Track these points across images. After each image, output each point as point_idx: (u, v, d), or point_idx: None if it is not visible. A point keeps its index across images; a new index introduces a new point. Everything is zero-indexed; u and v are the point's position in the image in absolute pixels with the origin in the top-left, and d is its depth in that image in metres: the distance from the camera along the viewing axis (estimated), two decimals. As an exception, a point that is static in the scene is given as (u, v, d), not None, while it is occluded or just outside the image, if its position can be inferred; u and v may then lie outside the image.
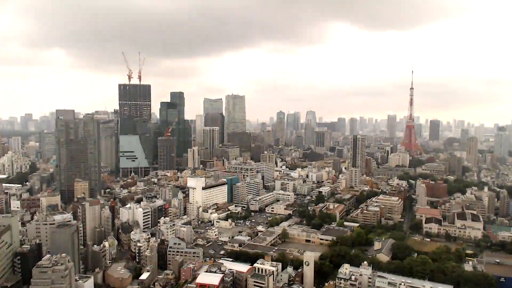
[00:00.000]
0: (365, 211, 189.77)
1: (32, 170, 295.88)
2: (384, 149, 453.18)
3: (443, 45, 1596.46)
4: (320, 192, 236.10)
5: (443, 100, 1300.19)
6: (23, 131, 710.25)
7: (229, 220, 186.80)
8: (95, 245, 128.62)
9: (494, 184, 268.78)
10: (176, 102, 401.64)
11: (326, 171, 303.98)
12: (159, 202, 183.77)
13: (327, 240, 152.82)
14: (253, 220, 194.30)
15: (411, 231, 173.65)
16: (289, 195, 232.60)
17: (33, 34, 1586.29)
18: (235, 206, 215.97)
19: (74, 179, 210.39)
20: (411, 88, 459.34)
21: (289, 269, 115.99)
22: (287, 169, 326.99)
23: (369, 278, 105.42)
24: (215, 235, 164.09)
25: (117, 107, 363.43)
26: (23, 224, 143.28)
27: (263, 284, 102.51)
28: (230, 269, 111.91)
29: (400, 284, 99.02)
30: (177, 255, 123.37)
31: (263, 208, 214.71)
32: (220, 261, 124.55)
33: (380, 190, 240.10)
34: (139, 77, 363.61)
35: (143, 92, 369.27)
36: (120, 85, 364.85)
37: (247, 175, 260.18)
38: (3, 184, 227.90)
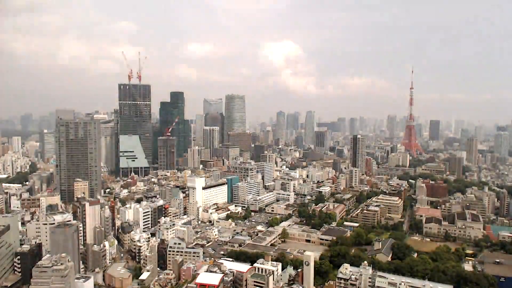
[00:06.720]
0: (365, 211, 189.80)
1: (32, 170, 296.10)
2: (384, 149, 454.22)
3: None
4: (320, 192, 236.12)
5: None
6: (23, 131, 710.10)
7: (229, 220, 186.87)
8: (95, 245, 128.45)
9: (494, 184, 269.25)
10: (176, 102, 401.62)
11: (326, 171, 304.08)
12: (159, 202, 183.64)
13: (327, 240, 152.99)
14: (253, 220, 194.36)
15: (411, 231, 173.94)
16: (289, 195, 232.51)
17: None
18: (235, 206, 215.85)
19: (74, 179, 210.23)
20: (411, 88, 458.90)
21: (289, 269, 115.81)
22: (287, 169, 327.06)
23: (369, 278, 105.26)
24: (215, 235, 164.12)
25: (117, 107, 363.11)
26: (23, 224, 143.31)
27: (263, 284, 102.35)
28: (230, 269, 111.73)
29: (400, 284, 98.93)
30: (177, 255, 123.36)
31: (263, 208, 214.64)
32: (220, 261, 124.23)
33: (380, 190, 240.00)
34: (139, 77, 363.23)
35: (143, 92, 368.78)
36: (120, 85, 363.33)
37: (247, 175, 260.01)
38: (3, 184, 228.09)
